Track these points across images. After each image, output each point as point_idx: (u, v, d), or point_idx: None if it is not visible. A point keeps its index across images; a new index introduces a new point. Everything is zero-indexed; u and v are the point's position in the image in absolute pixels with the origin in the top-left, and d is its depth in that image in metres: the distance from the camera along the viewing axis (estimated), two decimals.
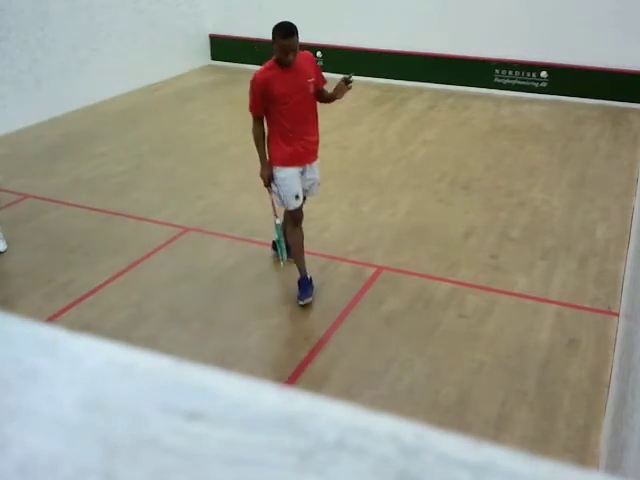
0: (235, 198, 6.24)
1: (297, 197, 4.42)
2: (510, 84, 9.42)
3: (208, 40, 11.17)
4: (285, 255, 4.65)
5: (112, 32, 9.24)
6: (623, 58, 8.63)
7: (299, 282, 4.57)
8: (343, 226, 5.66)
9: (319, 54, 10.38)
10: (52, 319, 4.39)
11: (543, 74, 9.21)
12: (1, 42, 7.81)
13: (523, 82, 9.34)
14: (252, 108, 4.34)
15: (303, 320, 4.43)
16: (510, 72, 9.37)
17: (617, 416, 2.92)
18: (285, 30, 4.10)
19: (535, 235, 5.49)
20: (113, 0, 9.20)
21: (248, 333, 4.31)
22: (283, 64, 4.13)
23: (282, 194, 4.41)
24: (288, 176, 4.38)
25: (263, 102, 4.23)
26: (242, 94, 9.70)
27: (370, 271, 4.97)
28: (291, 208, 4.44)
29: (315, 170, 4.58)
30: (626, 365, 3.04)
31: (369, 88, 9.73)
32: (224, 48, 11.01)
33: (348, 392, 3.70)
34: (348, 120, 8.25)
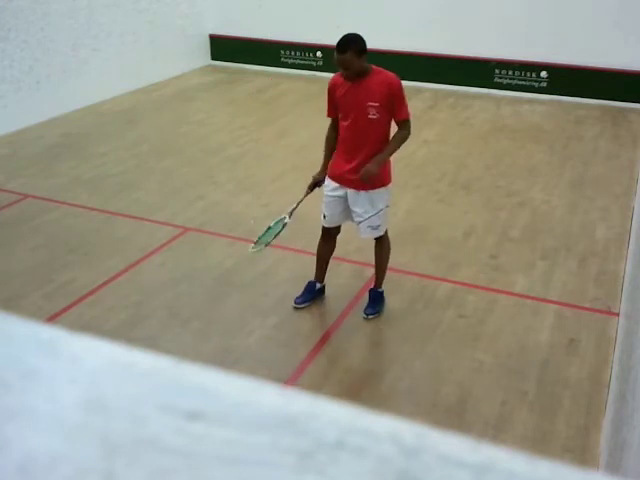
0: (235, 198, 6.24)
1: (324, 217, 4.39)
2: (510, 84, 9.42)
3: (208, 40, 11.17)
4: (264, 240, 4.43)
5: (112, 32, 9.24)
6: (623, 58, 8.63)
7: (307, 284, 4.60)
8: (343, 226, 5.65)
9: (319, 54, 10.39)
10: (52, 319, 4.39)
11: (543, 74, 9.21)
12: (1, 42, 7.81)
13: (523, 82, 9.35)
14: (327, 110, 4.25)
15: (303, 320, 4.43)
16: (510, 72, 9.37)
17: (617, 416, 2.92)
18: (337, 45, 3.89)
19: (535, 235, 5.50)
20: (113, 0, 9.20)
21: (248, 333, 4.31)
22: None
23: None
24: (327, 187, 4.34)
25: (331, 105, 4.15)
26: (242, 94, 9.73)
27: (370, 271, 4.96)
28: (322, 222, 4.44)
29: (360, 202, 4.20)
30: (626, 365, 3.04)
31: None
32: (224, 48, 11.01)
33: (348, 392, 3.70)
34: None
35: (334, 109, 4.13)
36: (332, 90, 4.08)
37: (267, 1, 10.38)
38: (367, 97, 3.95)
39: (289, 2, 10.23)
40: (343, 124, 4.09)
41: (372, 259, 5.12)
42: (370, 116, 3.99)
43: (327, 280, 4.85)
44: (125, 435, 0.37)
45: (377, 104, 3.97)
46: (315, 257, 4.59)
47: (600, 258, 5.13)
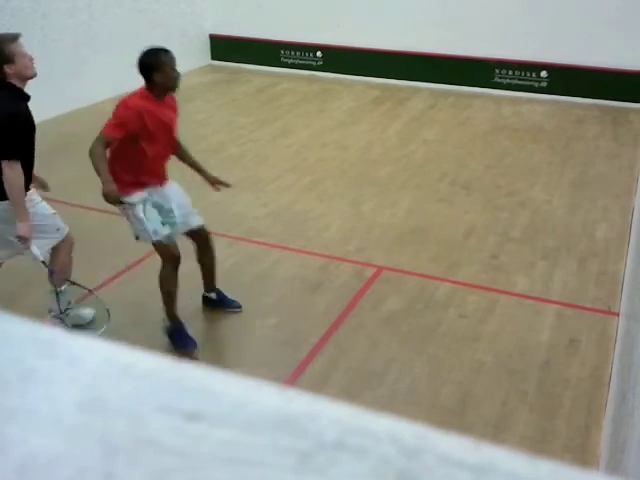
0: (235, 198, 6.23)
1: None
2: (510, 84, 9.42)
3: (208, 40, 11.17)
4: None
5: (112, 32, 9.24)
6: (623, 58, 8.63)
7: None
8: (343, 226, 5.66)
9: (319, 54, 10.39)
10: None
11: (543, 74, 9.21)
12: None
13: (523, 82, 9.35)
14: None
15: (303, 320, 4.43)
16: (510, 72, 9.37)
17: (617, 416, 2.92)
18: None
19: (536, 235, 5.50)
20: (113, 0, 9.20)
21: (248, 333, 4.31)
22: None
23: None
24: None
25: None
26: (242, 94, 9.73)
27: (370, 271, 4.96)
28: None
29: None
30: (626, 364, 3.04)
31: (369, 88, 9.74)
32: (224, 48, 11.01)
33: (348, 392, 3.70)
34: (348, 120, 8.25)
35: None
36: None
37: (267, 1, 10.39)
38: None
39: (289, 2, 10.23)
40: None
41: (372, 259, 5.13)
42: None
43: (327, 280, 4.85)
44: (125, 435, 0.37)
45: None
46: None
47: (600, 258, 5.13)
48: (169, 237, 3.97)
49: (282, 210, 5.97)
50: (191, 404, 0.39)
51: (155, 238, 3.91)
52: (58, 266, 4.13)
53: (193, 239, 4.29)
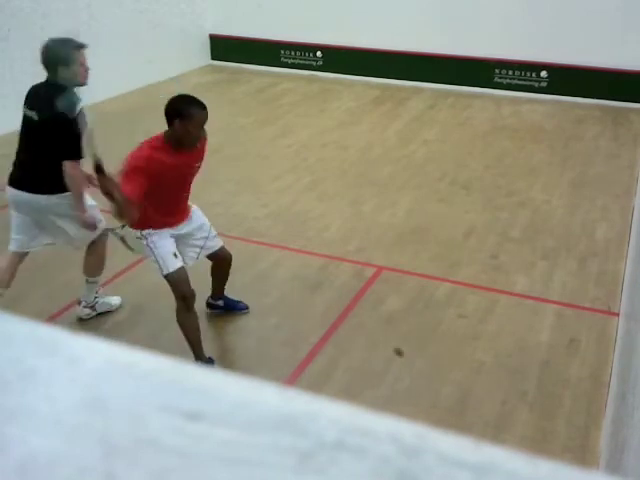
0: (234, 198, 6.24)
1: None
2: (510, 84, 9.42)
3: (208, 40, 11.17)
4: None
5: (112, 32, 9.23)
6: (623, 58, 8.63)
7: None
8: (343, 226, 5.66)
9: (319, 54, 10.38)
10: (52, 319, 4.39)
11: (543, 74, 9.21)
12: (1, 42, 7.80)
13: (523, 82, 9.35)
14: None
15: (303, 320, 4.43)
16: (510, 72, 9.37)
17: (617, 416, 2.92)
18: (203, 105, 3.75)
19: (535, 235, 5.50)
20: (113, 0, 9.20)
21: (248, 333, 4.31)
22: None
23: None
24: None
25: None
26: (242, 94, 9.73)
27: (370, 271, 4.96)
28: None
29: None
30: (626, 364, 3.04)
31: (369, 88, 9.74)
32: (224, 48, 11.01)
33: (348, 392, 3.70)
34: (348, 120, 8.25)
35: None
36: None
37: (267, 1, 10.38)
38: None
39: (289, 2, 10.23)
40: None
41: (372, 259, 5.13)
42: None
43: (327, 280, 4.85)
44: (125, 435, 0.37)
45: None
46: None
47: (600, 258, 5.13)
48: (180, 271, 3.83)
49: (282, 210, 5.97)
50: (191, 404, 0.39)
51: (165, 272, 3.83)
52: (96, 257, 4.31)
53: (213, 260, 4.24)
